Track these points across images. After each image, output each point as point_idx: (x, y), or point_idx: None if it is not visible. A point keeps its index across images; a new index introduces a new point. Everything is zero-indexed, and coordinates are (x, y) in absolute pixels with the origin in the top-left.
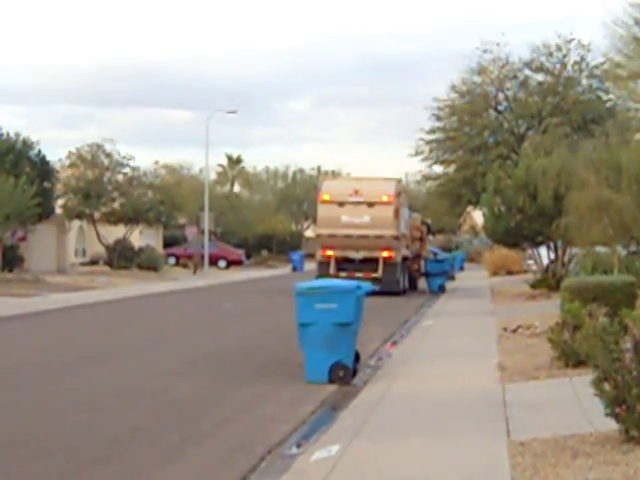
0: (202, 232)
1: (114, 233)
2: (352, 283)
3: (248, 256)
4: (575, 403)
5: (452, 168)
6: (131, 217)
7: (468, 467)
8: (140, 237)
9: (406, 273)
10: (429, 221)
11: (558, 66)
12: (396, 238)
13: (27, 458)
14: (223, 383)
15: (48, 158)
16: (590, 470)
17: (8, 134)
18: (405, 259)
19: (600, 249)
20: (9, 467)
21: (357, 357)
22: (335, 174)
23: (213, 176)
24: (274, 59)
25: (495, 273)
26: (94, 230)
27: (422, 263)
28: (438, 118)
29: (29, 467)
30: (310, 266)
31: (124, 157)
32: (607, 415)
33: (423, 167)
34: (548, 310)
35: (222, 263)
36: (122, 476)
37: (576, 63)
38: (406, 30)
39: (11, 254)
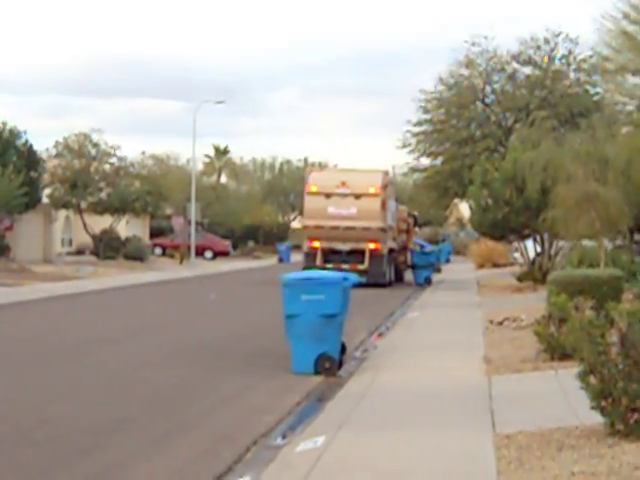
0: (189, 223)
1: (101, 223)
2: (339, 275)
3: (235, 247)
4: (561, 396)
5: (439, 160)
6: (118, 207)
7: (453, 459)
8: (127, 227)
9: (392, 265)
10: (416, 213)
11: (546, 59)
12: (383, 230)
13: (12, 449)
14: (208, 374)
15: (35, 148)
16: (575, 463)
17: None
18: (392, 251)
19: (587, 242)
20: None
21: (343, 349)
22: (322, 166)
23: (200, 167)
24: (261, 50)
25: (481, 266)
26: (81, 220)
27: (408, 255)
28: (425, 110)
29: (14, 458)
30: (297, 257)
31: (111, 147)
32: (593, 408)
33: (410, 159)
34: (534, 303)
35: (209, 254)
36: (107, 467)
37: (564, 56)
38: (394, 22)
39: None
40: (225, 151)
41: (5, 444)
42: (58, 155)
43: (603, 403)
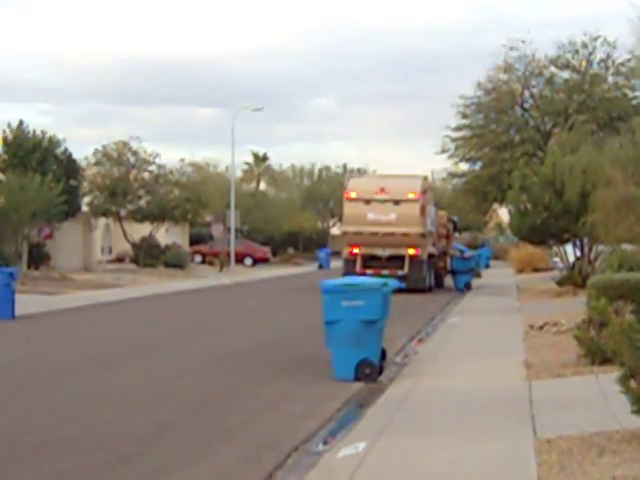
0: (228, 230)
1: (140, 231)
2: (378, 280)
3: (274, 254)
4: (601, 400)
5: (478, 165)
6: (157, 215)
7: (494, 464)
8: (166, 235)
9: (432, 270)
10: (455, 218)
11: (584, 63)
12: (422, 235)
13: (55, 456)
14: (249, 380)
15: (74, 156)
16: (617, 467)
17: (35, 132)
18: (431, 256)
19: (626, 246)
20: (39, 465)
21: (384, 354)
22: (361, 172)
23: (239, 174)
24: (299, 56)
25: (521, 270)
26: (120, 228)
27: (448, 260)
28: (464, 115)
29: (58, 465)
30: (336, 264)
31: (150, 155)
32: (633, 412)
33: (449, 164)
34: (574, 307)
35: (248, 261)
36: (149, 474)
37: (602, 60)
38: (431, 26)
39: (37, 252)
40: (264, 158)
41: (49, 452)
42: (97, 163)
43: None
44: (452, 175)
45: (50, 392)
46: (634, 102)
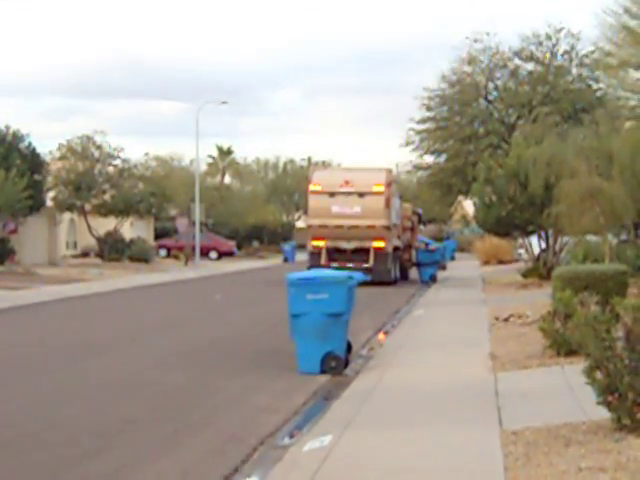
0: (193, 223)
1: (105, 225)
2: (343, 273)
3: (239, 247)
4: (567, 392)
5: (443, 158)
6: (122, 209)
7: (460, 456)
8: (131, 229)
9: (397, 263)
10: (420, 211)
11: (548, 55)
12: (387, 228)
13: (20, 451)
14: (215, 374)
15: (38, 150)
16: (583, 458)
17: None
18: (396, 249)
19: (591, 238)
20: (4, 459)
21: (349, 347)
22: (326, 164)
23: (204, 167)
24: (263, 50)
25: (486, 262)
26: (85, 222)
27: (413, 253)
28: (428, 108)
29: (23, 460)
30: (301, 257)
31: (114, 149)
32: (599, 403)
33: (414, 157)
34: (539, 299)
35: (213, 254)
36: (115, 468)
37: (566, 52)
38: (395, 20)
39: (2, 247)
40: (229, 151)
41: (14, 447)
42: (62, 158)
43: (609, 398)
44: (417, 167)
45: (14, 387)
46: (598, 94)
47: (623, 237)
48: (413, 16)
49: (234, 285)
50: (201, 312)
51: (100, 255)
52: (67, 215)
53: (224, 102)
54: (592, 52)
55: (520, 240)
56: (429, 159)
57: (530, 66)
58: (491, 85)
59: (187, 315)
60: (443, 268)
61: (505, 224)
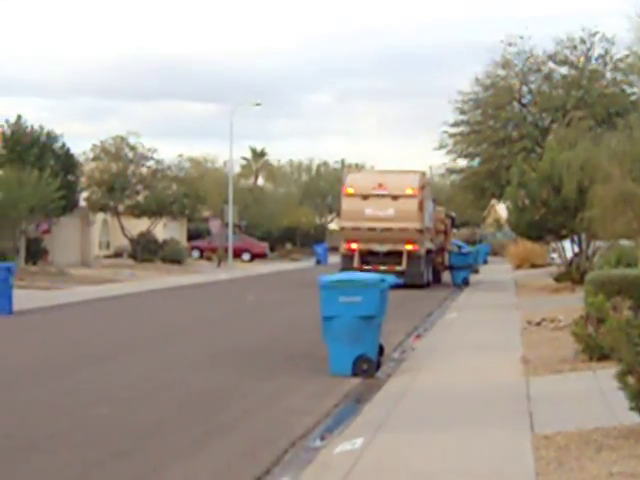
0: (226, 225)
1: (138, 226)
2: (376, 276)
3: (272, 249)
4: (599, 396)
5: (476, 161)
6: (155, 210)
7: (492, 460)
8: (164, 230)
9: (430, 266)
10: (453, 214)
11: (582, 59)
12: (420, 231)
13: (51, 451)
14: (246, 376)
15: (72, 151)
16: (614, 463)
17: (32, 127)
18: (429, 252)
19: (624, 242)
20: (35, 460)
21: (381, 350)
22: (359, 167)
23: (237, 169)
24: (297, 52)
25: (519, 266)
26: (118, 223)
27: (446, 256)
28: (462, 111)
29: (54, 460)
30: (334, 259)
31: (148, 150)
32: (631, 409)
33: (447, 160)
34: (572, 303)
35: (246, 256)
36: (146, 469)
37: (600, 56)
38: (429, 22)
39: (35, 247)
40: (262, 153)
41: (45, 447)
42: (95, 158)
43: None
44: (450, 171)
45: (46, 388)
46: (632, 98)
47: None
48: (447, 19)
49: (266, 287)
50: (233, 314)
51: (133, 256)
52: (100, 216)
53: (258, 104)
54: (626, 56)
55: (553, 244)
56: (462, 162)
57: (564, 70)
58: (525, 89)
59: (219, 317)
60: (476, 272)
61: (538, 228)
